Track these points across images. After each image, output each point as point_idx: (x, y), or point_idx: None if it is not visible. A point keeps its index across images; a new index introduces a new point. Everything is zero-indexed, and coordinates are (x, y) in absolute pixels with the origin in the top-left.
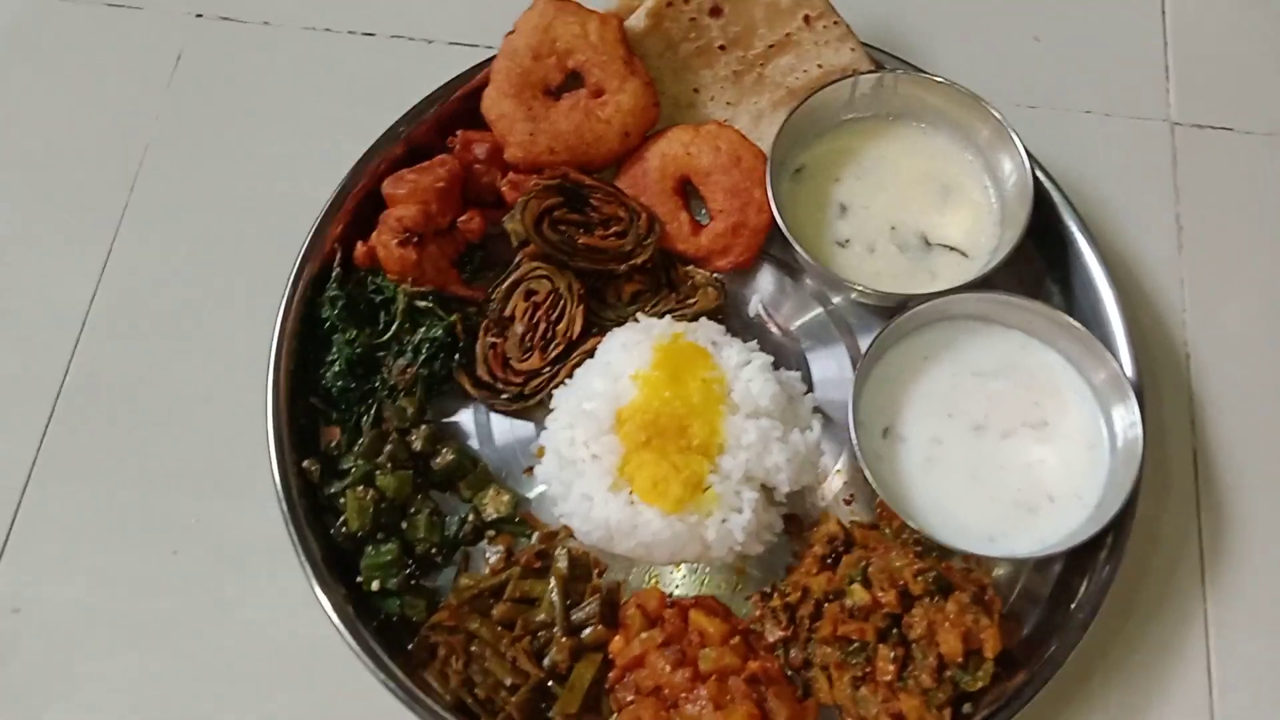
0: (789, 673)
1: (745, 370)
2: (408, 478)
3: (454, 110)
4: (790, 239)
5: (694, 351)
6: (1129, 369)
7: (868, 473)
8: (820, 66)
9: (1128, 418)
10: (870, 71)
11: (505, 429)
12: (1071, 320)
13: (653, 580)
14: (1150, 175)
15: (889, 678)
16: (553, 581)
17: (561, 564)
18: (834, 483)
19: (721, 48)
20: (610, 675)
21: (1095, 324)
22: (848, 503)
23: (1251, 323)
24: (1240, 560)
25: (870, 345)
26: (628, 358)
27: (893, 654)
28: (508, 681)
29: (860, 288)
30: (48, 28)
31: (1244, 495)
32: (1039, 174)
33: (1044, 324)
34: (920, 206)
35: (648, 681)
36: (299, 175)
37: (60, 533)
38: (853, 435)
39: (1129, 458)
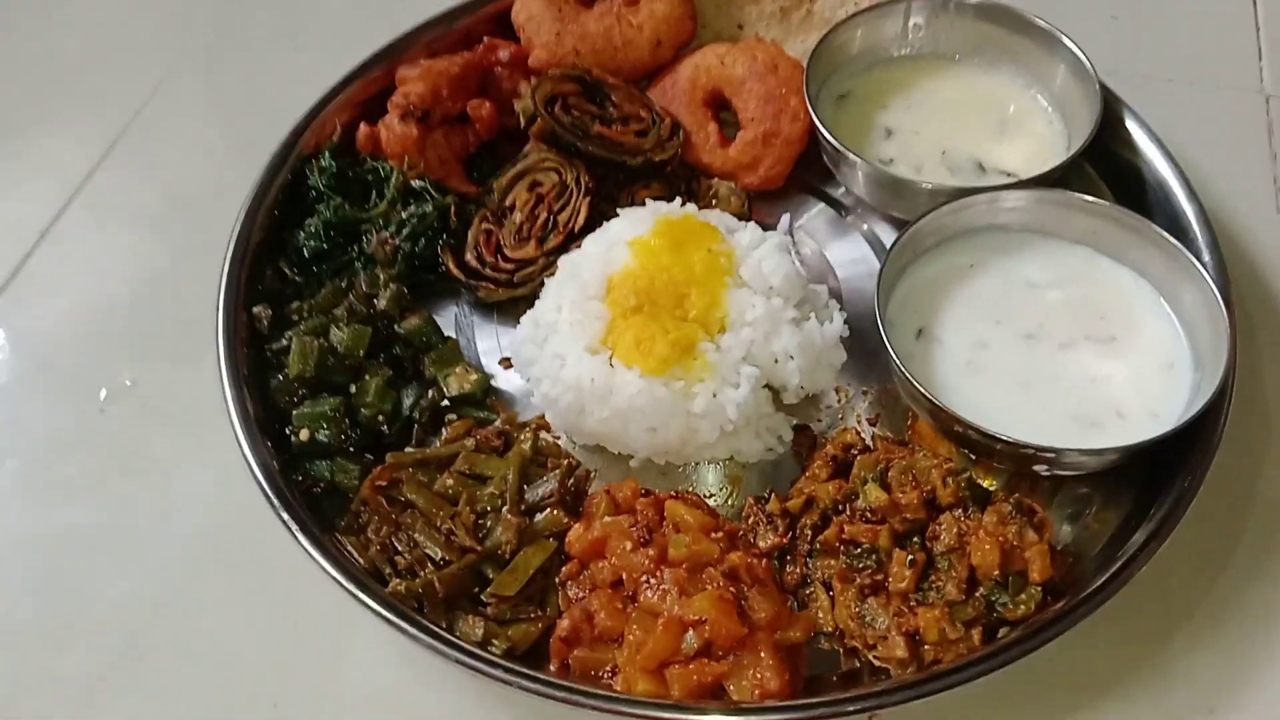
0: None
1: (759, 250)
2: (365, 333)
3: (487, 23)
4: (820, 126)
5: (702, 226)
6: (1216, 279)
7: (894, 361)
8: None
9: (1216, 335)
10: None
11: (490, 337)
12: (1148, 223)
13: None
14: (1244, 142)
15: (904, 585)
16: (511, 459)
17: (525, 445)
18: (858, 404)
19: None
20: (564, 569)
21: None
22: (872, 423)
23: None
24: None
25: (903, 234)
26: (628, 226)
27: (910, 558)
28: (438, 555)
29: (896, 174)
30: None
31: None
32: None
33: (1115, 233)
34: (975, 135)
35: (606, 575)
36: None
37: None
38: (879, 321)
39: (1214, 375)
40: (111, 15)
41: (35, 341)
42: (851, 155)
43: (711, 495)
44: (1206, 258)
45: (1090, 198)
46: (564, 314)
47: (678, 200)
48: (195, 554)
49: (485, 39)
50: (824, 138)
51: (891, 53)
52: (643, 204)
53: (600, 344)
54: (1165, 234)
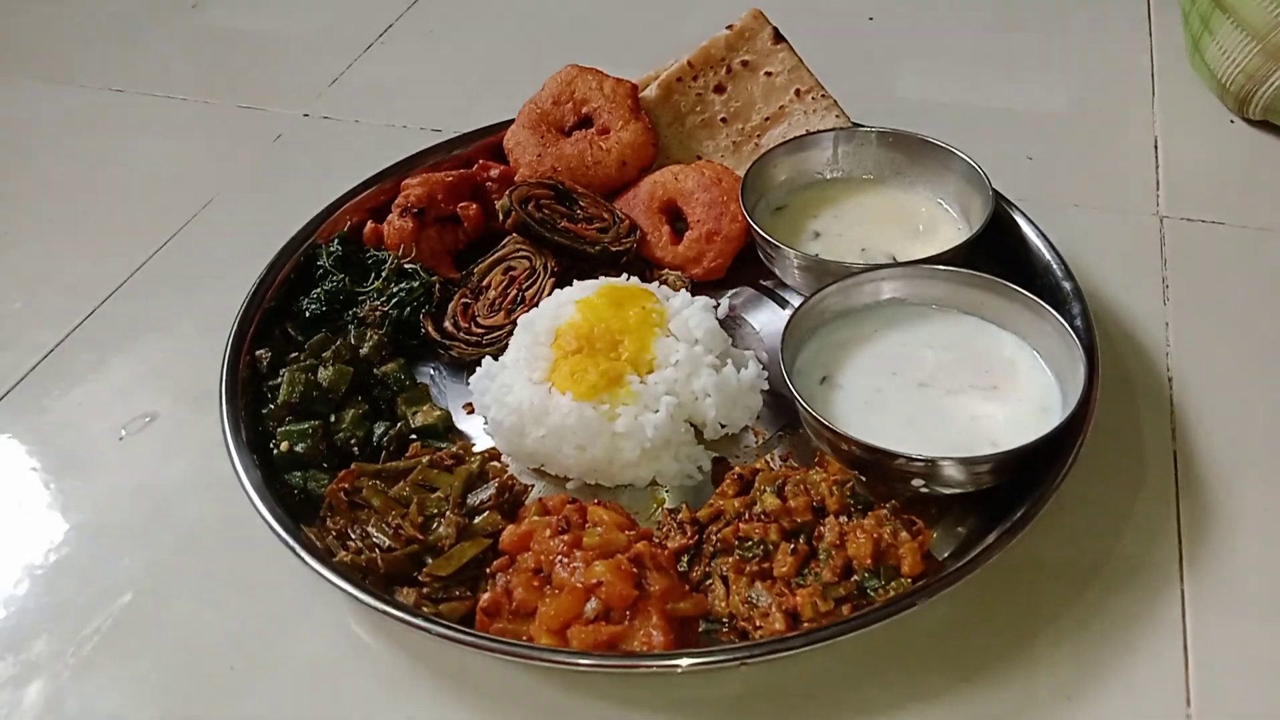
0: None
1: (687, 309)
2: (346, 372)
3: (484, 150)
4: (752, 224)
5: (640, 290)
6: (1081, 334)
7: (790, 388)
8: (808, 132)
9: (1078, 381)
10: (849, 127)
11: (460, 393)
12: (1023, 291)
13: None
14: (1138, 252)
15: (785, 569)
16: (458, 472)
17: (474, 464)
18: (774, 445)
19: (723, 120)
20: (495, 563)
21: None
22: (784, 460)
23: (1226, 354)
24: (1218, 548)
25: (807, 300)
26: (577, 291)
27: (792, 547)
28: (385, 544)
29: (800, 253)
30: None
31: (1224, 492)
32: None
33: (999, 303)
34: (892, 237)
35: (528, 563)
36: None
37: None
38: (782, 366)
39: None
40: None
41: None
42: (779, 245)
43: (636, 512)
44: (1079, 322)
45: (978, 273)
46: (515, 356)
47: (624, 275)
48: (181, 544)
49: (480, 161)
50: (756, 234)
51: (825, 175)
52: None
53: (544, 378)
54: (1035, 298)
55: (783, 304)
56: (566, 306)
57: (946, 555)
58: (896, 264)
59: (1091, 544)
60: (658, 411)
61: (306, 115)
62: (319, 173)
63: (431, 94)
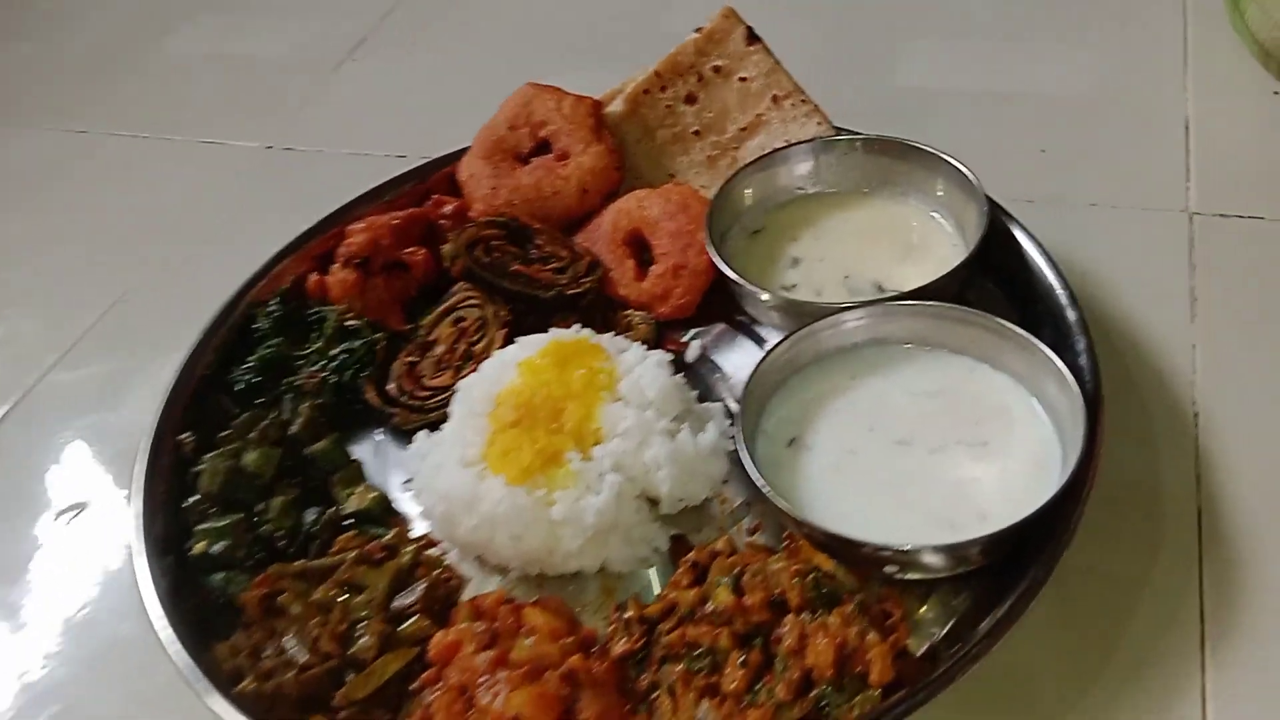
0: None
1: (640, 367)
2: (274, 455)
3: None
4: (716, 259)
5: (590, 347)
6: (1089, 387)
7: (748, 463)
8: (788, 141)
9: (1081, 436)
10: (830, 138)
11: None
12: (1016, 329)
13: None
14: (1164, 257)
15: (735, 685)
16: (386, 569)
17: (405, 558)
18: (742, 515)
19: (696, 133)
20: (422, 676)
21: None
22: (751, 532)
23: (1263, 384)
24: (1247, 626)
25: (774, 349)
26: (521, 350)
27: (743, 658)
28: (300, 660)
29: (791, 297)
30: None
31: (1255, 555)
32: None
33: (991, 341)
34: (879, 260)
35: (453, 680)
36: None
37: None
38: (738, 431)
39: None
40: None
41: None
42: (747, 285)
43: (582, 608)
44: (1083, 361)
45: (966, 309)
46: (451, 430)
47: (576, 325)
48: (94, 660)
49: (434, 196)
50: (722, 271)
51: (805, 189)
52: None
53: (479, 458)
54: (1032, 338)
55: (759, 341)
56: (508, 369)
57: (934, 641)
58: (875, 301)
59: (1098, 627)
60: (600, 493)
61: (269, 148)
62: (277, 213)
63: (399, 117)
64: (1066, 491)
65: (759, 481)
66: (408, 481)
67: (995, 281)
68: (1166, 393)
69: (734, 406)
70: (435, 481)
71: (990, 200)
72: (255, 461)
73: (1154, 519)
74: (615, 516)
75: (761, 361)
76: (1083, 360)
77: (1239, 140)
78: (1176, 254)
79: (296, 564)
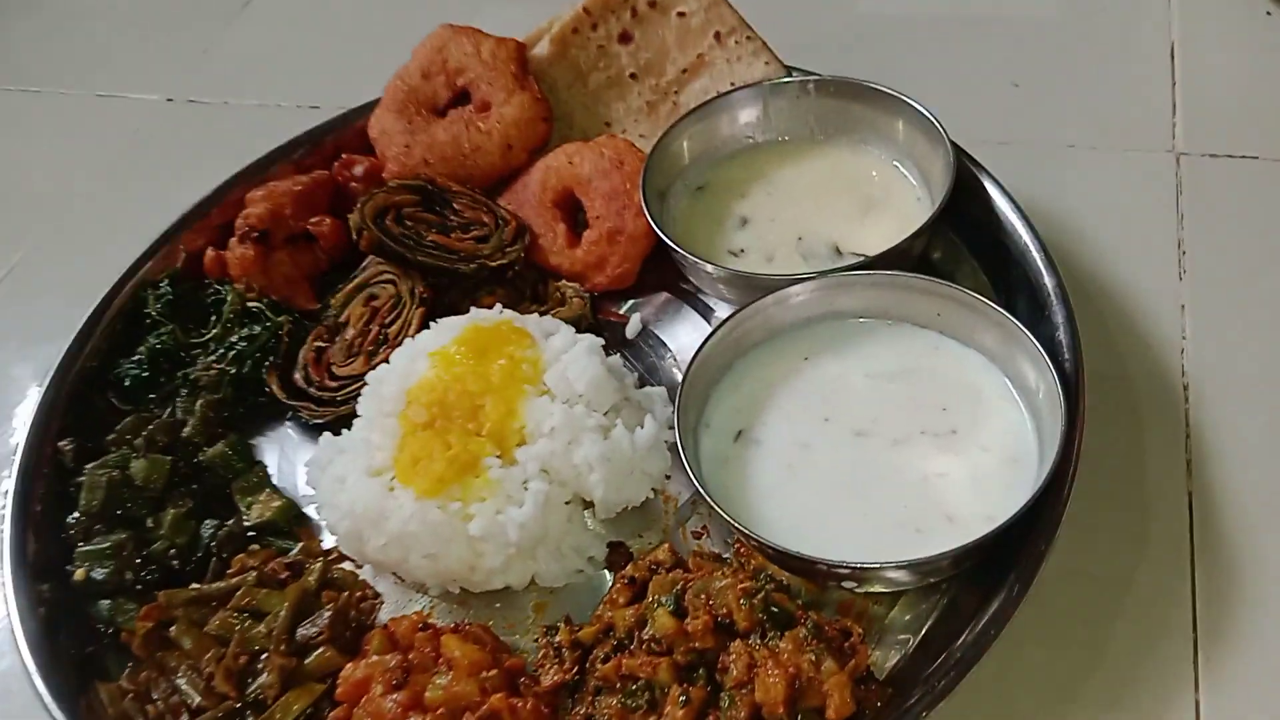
0: None
1: (568, 354)
2: (163, 463)
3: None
4: (654, 226)
5: (512, 332)
6: (1068, 365)
7: (687, 466)
8: (734, 84)
9: (1059, 425)
10: (780, 80)
11: (309, 454)
12: (988, 303)
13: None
14: (1150, 205)
15: None
16: (289, 593)
17: (311, 578)
18: (686, 515)
19: (633, 76)
20: (332, 715)
21: (1037, 325)
22: (697, 536)
23: (1260, 350)
24: (1245, 633)
25: (718, 329)
26: (435, 337)
27: (683, 695)
28: (194, 702)
29: (738, 269)
30: None
31: (1252, 550)
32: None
33: (960, 315)
34: (836, 218)
35: (365, 717)
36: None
37: None
38: (676, 427)
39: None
40: None
41: None
42: (690, 257)
43: (511, 627)
44: (1062, 335)
45: (931, 279)
46: (357, 433)
47: (498, 306)
48: None
49: (343, 155)
50: (662, 239)
51: (755, 139)
52: None
53: (389, 465)
54: (1005, 313)
55: (708, 312)
56: (419, 360)
57: (901, 658)
58: (829, 272)
59: (1080, 636)
60: (523, 504)
61: (170, 100)
62: (181, 172)
63: (311, 62)
64: (1044, 493)
65: (702, 490)
66: (311, 494)
67: (963, 240)
68: (1153, 362)
69: None
70: (338, 496)
71: (958, 148)
72: (144, 471)
73: (1140, 509)
74: (542, 528)
75: (701, 347)
76: (1061, 334)
77: (1229, 68)
78: (1163, 201)
79: (189, 589)
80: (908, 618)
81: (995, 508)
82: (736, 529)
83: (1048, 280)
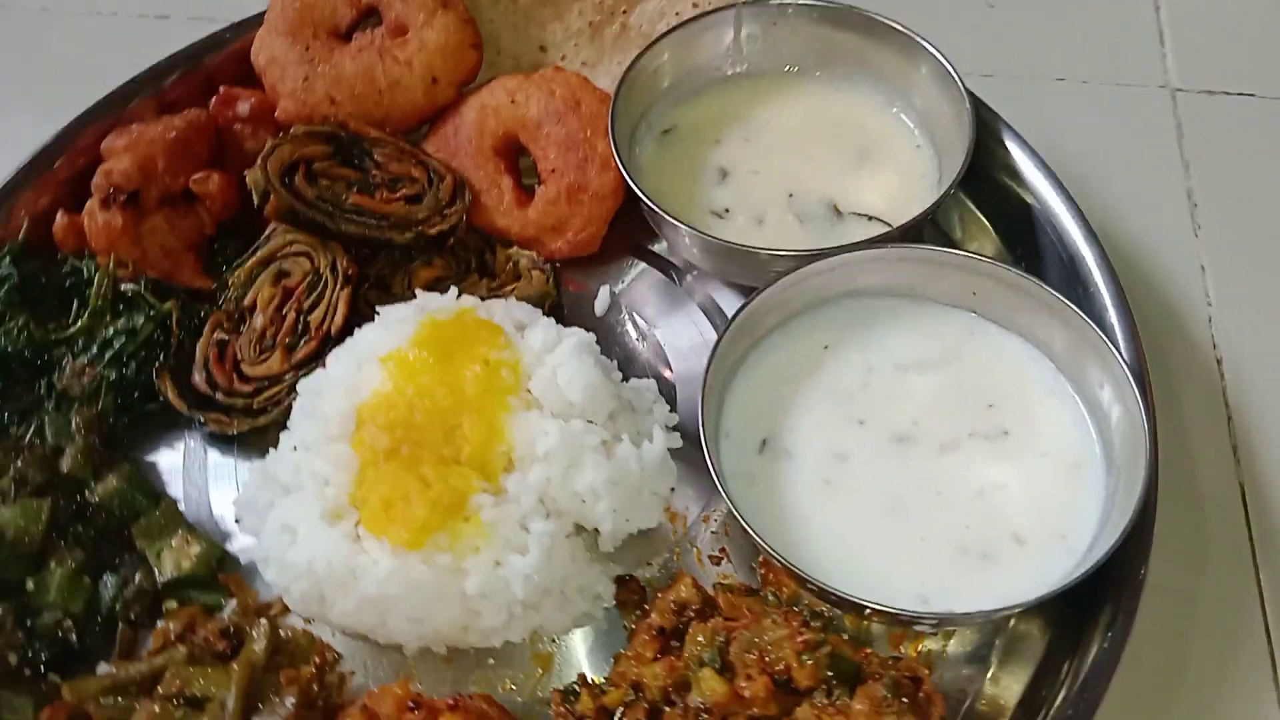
0: None
1: (554, 354)
2: (40, 508)
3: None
4: (632, 183)
5: (479, 328)
6: (1127, 352)
7: (725, 493)
8: (696, 6)
9: (1130, 424)
10: (755, 2)
11: (227, 482)
12: (1037, 282)
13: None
14: (1150, 150)
15: None
16: (235, 673)
17: (258, 646)
18: (699, 535)
19: None
20: None
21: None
22: (715, 561)
23: None
24: None
25: (734, 318)
26: (383, 334)
27: None
28: None
29: (729, 240)
30: None
31: None
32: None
33: (1000, 293)
34: (828, 170)
35: None
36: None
37: None
38: (703, 439)
39: (1132, 479)
40: None
41: None
42: (672, 221)
43: (513, 688)
44: (1113, 319)
45: (965, 253)
46: (299, 463)
47: (454, 291)
48: None
49: (222, 89)
50: (640, 199)
51: (724, 71)
52: (427, 289)
53: (347, 504)
54: (1060, 297)
55: (680, 277)
56: (369, 366)
57: (969, 703)
58: (847, 248)
59: (1155, 660)
60: (529, 553)
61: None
62: (10, 106)
63: None
64: (1138, 521)
65: (734, 509)
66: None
67: (973, 200)
68: (1181, 334)
69: (667, 375)
70: (290, 552)
71: (974, 97)
72: (16, 521)
73: (1194, 508)
74: (551, 578)
75: (717, 345)
76: (1113, 316)
77: None
78: (1165, 145)
79: (100, 675)
80: (968, 649)
81: (1064, 524)
82: (799, 577)
83: (1087, 251)
